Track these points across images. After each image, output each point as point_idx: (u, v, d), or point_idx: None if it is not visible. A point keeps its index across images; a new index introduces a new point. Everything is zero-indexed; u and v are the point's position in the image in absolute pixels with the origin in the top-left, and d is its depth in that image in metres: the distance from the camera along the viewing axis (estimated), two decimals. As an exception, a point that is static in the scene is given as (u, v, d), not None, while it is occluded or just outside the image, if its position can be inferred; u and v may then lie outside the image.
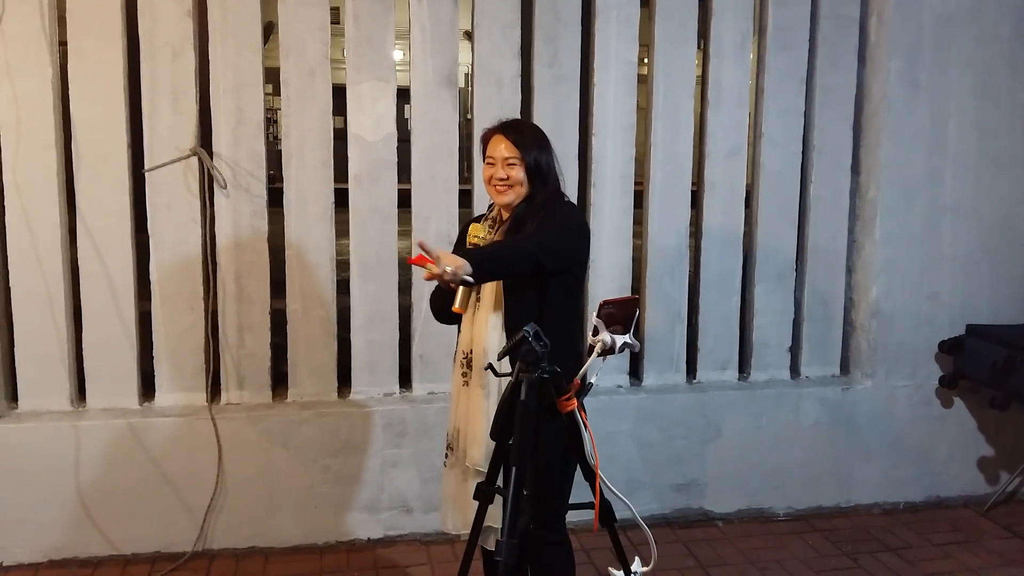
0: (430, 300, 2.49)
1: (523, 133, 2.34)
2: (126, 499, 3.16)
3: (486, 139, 2.36)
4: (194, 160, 3.16)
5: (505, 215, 2.36)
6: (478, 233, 2.30)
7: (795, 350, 3.81)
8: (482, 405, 2.28)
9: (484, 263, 2.07)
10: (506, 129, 2.34)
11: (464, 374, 2.34)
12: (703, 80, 3.61)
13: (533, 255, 2.15)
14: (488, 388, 2.29)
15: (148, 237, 3.19)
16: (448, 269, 1.95)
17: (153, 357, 3.24)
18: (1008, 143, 3.77)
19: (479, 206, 3.38)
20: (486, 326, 2.29)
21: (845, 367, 3.87)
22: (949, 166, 3.72)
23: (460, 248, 2.42)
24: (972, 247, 3.79)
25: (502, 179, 2.29)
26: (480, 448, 2.25)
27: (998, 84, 3.73)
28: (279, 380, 3.37)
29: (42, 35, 3.02)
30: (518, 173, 2.29)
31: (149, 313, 3.22)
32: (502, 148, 2.30)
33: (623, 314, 2.02)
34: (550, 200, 2.32)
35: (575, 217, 2.39)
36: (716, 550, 3.40)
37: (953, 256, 3.78)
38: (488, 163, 2.33)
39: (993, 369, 3.53)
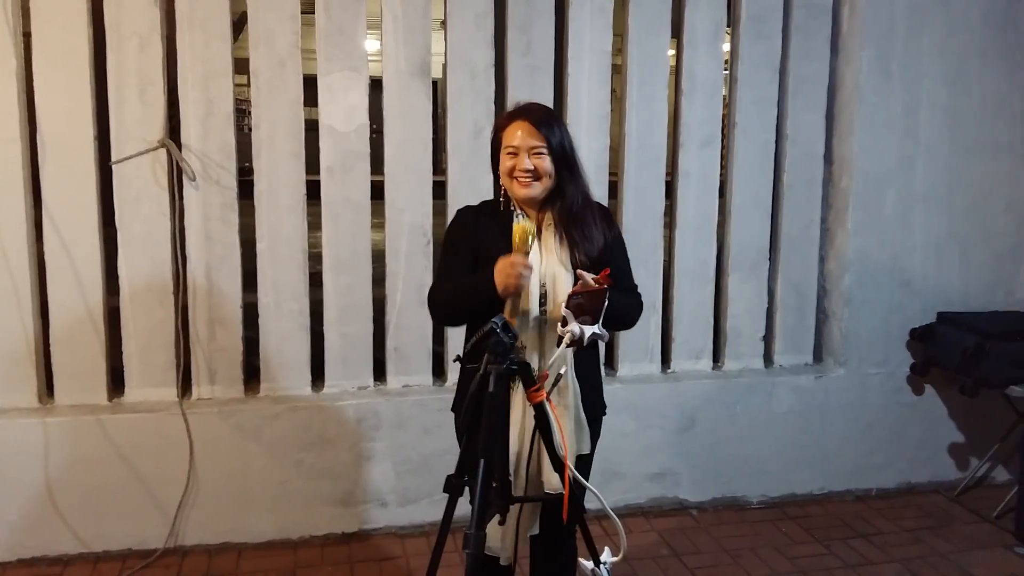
0: (446, 300, 2.20)
1: (544, 117, 2.14)
2: (96, 496, 3.13)
3: (502, 127, 2.17)
4: (162, 152, 3.12)
5: (529, 211, 2.20)
6: (518, 237, 2.04)
7: (768, 339, 3.83)
8: (564, 424, 2.10)
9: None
10: (526, 114, 2.14)
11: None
12: (677, 70, 3.61)
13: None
14: (569, 403, 2.14)
15: (116, 231, 3.14)
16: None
17: (122, 352, 3.20)
18: (978, 131, 3.80)
19: (454, 197, 3.36)
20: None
21: (818, 355, 3.90)
22: (921, 154, 3.75)
23: (463, 246, 2.23)
24: (943, 235, 3.82)
25: (528, 171, 2.11)
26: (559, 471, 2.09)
27: (969, 72, 3.76)
28: (251, 374, 3.34)
29: (5, 26, 2.96)
30: (545, 163, 2.11)
31: (118, 308, 3.18)
32: (525, 135, 2.10)
33: (592, 305, 2.01)
34: (603, 214, 2.24)
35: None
36: (690, 539, 3.42)
37: (924, 244, 3.81)
38: (509, 153, 2.13)
39: (963, 356, 3.57)
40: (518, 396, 2.11)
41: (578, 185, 2.19)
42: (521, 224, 2.05)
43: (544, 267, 2.16)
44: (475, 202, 3.34)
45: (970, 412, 3.93)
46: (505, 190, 2.21)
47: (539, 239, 2.18)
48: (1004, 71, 3.79)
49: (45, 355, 3.16)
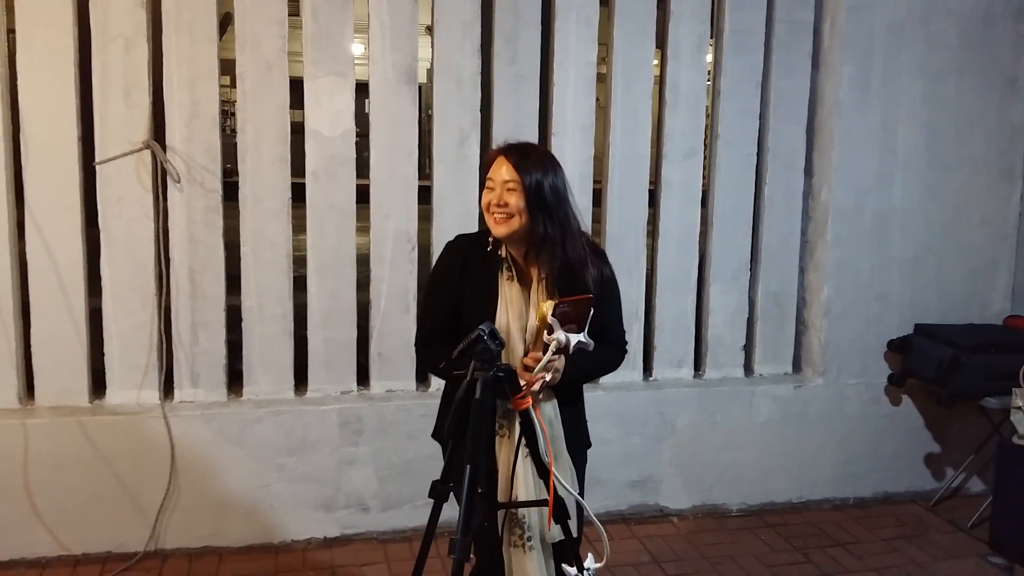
0: (438, 366, 2.10)
1: (527, 156, 2.08)
2: (76, 499, 3.10)
3: (489, 161, 2.14)
4: (147, 154, 3.11)
5: (515, 254, 2.15)
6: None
7: (749, 348, 3.87)
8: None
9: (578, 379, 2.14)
10: (508, 151, 2.10)
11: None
12: (661, 81, 3.65)
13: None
14: (556, 435, 2.14)
15: (99, 232, 3.12)
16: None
17: (104, 354, 3.18)
18: (955, 147, 3.87)
19: (439, 203, 3.37)
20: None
21: (797, 365, 3.94)
22: (899, 169, 3.81)
23: (447, 289, 2.17)
24: (920, 248, 3.88)
25: (500, 206, 2.06)
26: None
27: (946, 89, 3.83)
28: (234, 378, 3.33)
29: (-11, 23, 2.95)
30: (516, 201, 2.04)
31: (100, 309, 3.16)
32: (502, 171, 2.07)
33: (577, 313, 2.03)
34: (596, 253, 2.19)
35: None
36: (671, 546, 3.45)
37: (902, 257, 3.87)
38: (488, 187, 2.10)
39: (939, 368, 3.62)
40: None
41: (557, 228, 2.08)
42: (541, 307, 1.97)
43: (531, 322, 2.12)
44: (459, 208, 3.37)
45: (946, 423, 3.99)
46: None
47: (527, 291, 2.15)
48: (980, 89, 3.86)
49: (26, 356, 3.14)
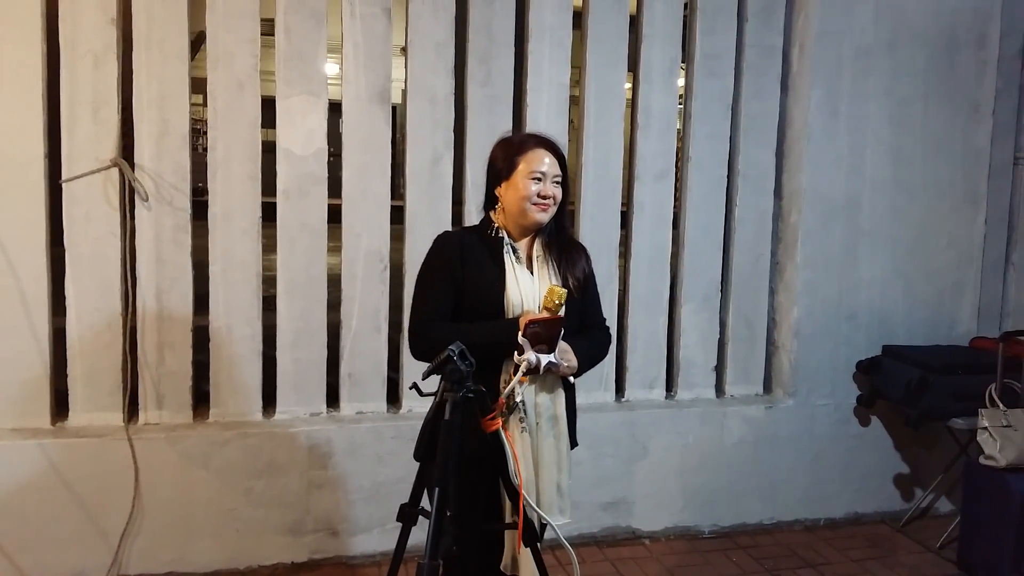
0: (448, 340, 2.00)
1: (561, 150, 2.24)
2: (36, 523, 3.02)
3: (524, 150, 2.20)
4: (114, 171, 3.07)
5: (520, 238, 2.24)
6: (557, 300, 2.09)
7: (720, 369, 3.88)
8: (554, 454, 2.18)
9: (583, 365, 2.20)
10: (550, 144, 2.23)
11: (521, 419, 2.13)
12: (633, 104, 3.68)
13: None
14: (561, 432, 2.19)
15: (64, 250, 3.07)
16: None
17: (67, 375, 3.12)
18: (922, 170, 3.94)
19: (412, 223, 3.36)
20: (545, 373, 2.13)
21: (768, 386, 3.96)
22: (866, 192, 3.87)
23: (446, 276, 2.18)
24: (888, 270, 3.93)
25: (549, 197, 2.18)
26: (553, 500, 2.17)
27: (912, 114, 3.89)
28: (201, 399, 3.28)
29: (-45, 39, 2.90)
30: (558, 193, 2.20)
31: (64, 329, 3.10)
32: (552, 163, 2.19)
33: (548, 333, 2.03)
34: (583, 249, 2.35)
35: None
36: (643, 568, 3.43)
37: (870, 279, 3.91)
38: (535, 178, 2.16)
39: (907, 389, 3.66)
40: (514, 422, 2.13)
41: (566, 218, 2.30)
42: (555, 289, 2.09)
43: (540, 296, 2.17)
44: (432, 228, 3.37)
45: (915, 444, 4.02)
46: (489, 214, 2.26)
47: (532, 269, 2.22)
48: (946, 113, 3.94)
49: (-14, 377, 3.07)
